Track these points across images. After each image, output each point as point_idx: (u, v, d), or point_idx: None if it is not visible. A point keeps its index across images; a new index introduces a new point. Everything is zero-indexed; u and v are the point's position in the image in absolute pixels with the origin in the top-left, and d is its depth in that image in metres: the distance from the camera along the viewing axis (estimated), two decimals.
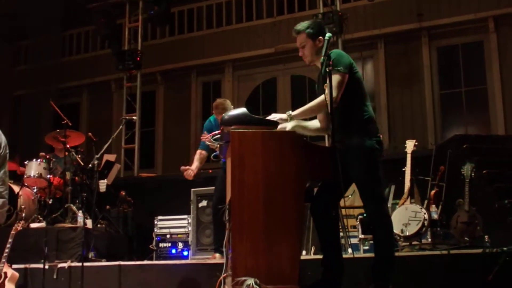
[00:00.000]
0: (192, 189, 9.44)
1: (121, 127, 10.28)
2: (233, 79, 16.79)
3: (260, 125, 4.85)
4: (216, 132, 5.15)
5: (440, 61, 14.60)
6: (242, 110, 4.89)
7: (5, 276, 7.63)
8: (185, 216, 9.59)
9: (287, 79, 16.52)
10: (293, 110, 5.19)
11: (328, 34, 5.11)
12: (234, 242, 4.66)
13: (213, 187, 8.46)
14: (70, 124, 9.78)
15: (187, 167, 8.20)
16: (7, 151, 5.96)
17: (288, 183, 4.72)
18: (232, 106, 8.05)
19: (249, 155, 4.70)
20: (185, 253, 9.45)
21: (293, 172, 4.73)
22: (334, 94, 4.91)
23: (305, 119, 5.36)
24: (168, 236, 9.63)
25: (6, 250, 7.70)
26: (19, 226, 7.94)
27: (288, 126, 5.05)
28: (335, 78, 4.99)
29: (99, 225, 9.57)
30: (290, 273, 4.63)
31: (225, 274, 5.00)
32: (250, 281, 4.39)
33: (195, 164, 8.29)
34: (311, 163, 4.80)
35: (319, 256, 5.80)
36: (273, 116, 5.10)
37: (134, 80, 15.50)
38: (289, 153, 4.74)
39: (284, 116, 5.12)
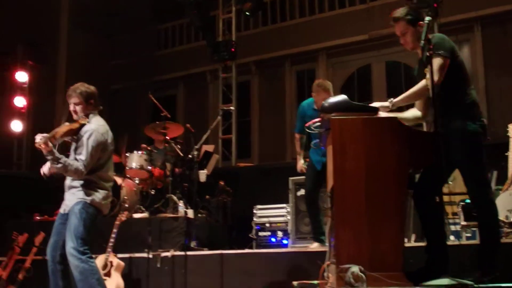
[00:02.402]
0: (290, 178, 9.44)
1: (219, 118, 10.42)
2: (327, 67, 16.72)
3: (360, 111, 4.81)
4: (316, 120, 5.14)
5: None
6: (342, 97, 4.86)
7: (111, 265, 7.85)
8: (284, 205, 9.59)
9: (381, 65, 16.35)
10: (388, 97, 5.12)
11: (427, 18, 5.01)
12: (337, 230, 4.66)
13: None
14: (169, 116, 9.94)
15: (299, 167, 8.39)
16: (113, 146, 6.13)
17: (390, 169, 4.69)
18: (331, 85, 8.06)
19: (350, 142, 4.68)
20: (285, 241, 9.47)
21: (395, 159, 4.69)
22: (435, 78, 4.82)
23: (402, 110, 5.29)
24: (267, 225, 9.67)
25: (111, 240, 7.92)
26: (123, 216, 8.15)
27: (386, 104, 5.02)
28: (436, 61, 4.90)
29: (199, 215, 9.71)
30: (394, 260, 4.61)
31: (328, 262, 5.00)
32: (355, 268, 4.38)
33: (301, 154, 8.34)
34: (413, 149, 4.74)
35: (420, 244, 5.74)
36: (375, 105, 5.04)
37: (229, 71, 15.61)
38: (391, 140, 4.70)
39: (386, 103, 5.06)
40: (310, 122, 5.22)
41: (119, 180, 9.57)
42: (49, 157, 5.67)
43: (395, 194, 4.68)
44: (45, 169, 6.10)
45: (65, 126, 5.92)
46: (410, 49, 5.36)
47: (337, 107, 4.81)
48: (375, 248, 4.60)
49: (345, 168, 4.67)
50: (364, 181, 4.64)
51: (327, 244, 6.08)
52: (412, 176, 5.22)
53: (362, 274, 4.37)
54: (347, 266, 4.42)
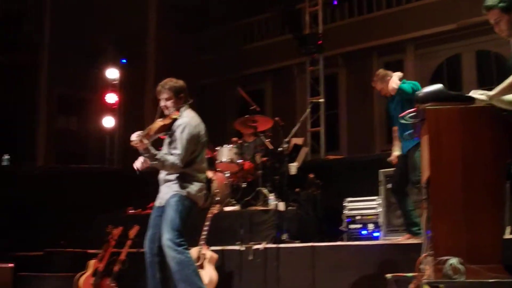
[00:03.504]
0: (380, 170, 9.34)
1: (308, 110, 10.40)
2: (415, 58, 16.53)
3: (456, 101, 4.72)
4: (411, 110, 5.07)
5: None
6: (438, 86, 4.78)
7: (204, 258, 7.97)
8: (375, 197, 9.50)
9: (471, 55, 16.04)
10: (479, 87, 5.00)
11: None
12: (434, 221, 4.59)
13: None
14: (258, 109, 9.98)
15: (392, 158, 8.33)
16: (206, 138, 6.18)
17: (488, 160, 4.59)
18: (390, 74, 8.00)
19: (446, 132, 4.60)
20: (376, 234, 9.39)
21: (493, 149, 4.58)
22: None
23: None
24: (358, 217, 9.59)
25: (204, 233, 8.04)
26: (215, 209, 8.27)
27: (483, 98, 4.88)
28: None
29: (289, 208, 9.72)
30: (493, 252, 4.51)
31: (425, 254, 4.93)
32: (453, 260, 4.31)
33: (396, 145, 8.28)
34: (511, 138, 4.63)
35: None
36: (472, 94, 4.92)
37: (316, 64, 15.55)
38: (488, 129, 4.60)
39: (482, 97, 4.93)
40: (405, 113, 5.14)
41: (210, 173, 9.66)
42: (145, 155, 5.77)
43: (492, 185, 4.58)
44: (138, 164, 6.20)
45: (158, 122, 5.99)
46: (506, 37, 5.22)
47: (432, 96, 4.74)
48: (473, 240, 4.51)
49: (441, 158, 4.60)
50: (460, 171, 4.56)
51: (421, 236, 6.00)
52: (510, 167, 5.09)
53: (461, 266, 4.30)
54: (445, 258, 4.36)
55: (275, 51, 18.33)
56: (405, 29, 16.31)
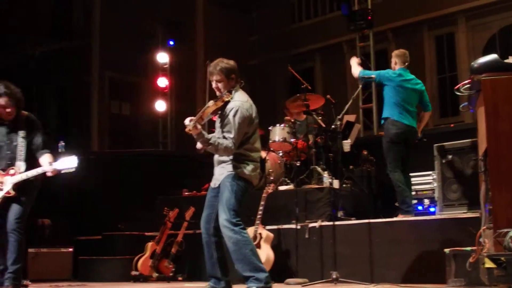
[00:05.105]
0: (435, 145, 9.23)
1: (360, 87, 10.25)
2: (467, 29, 16.28)
3: None
4: (466, 81, 4.98)
5: None
6: (493, 56, 4.69)
7: (261, 237, 8.01)
8: (430, 172, 9.42)
9: None
10: None
11: None
12: (493, 194, 4.52)
13: (458, 141, 8.31)
14: (309, 87, 9.92)
15: None
16: (258, 119, 6.15)
17: None
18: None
19: (503, 102, 4.51)
20: (432, 209, 9.31)
21: None
22: None
23: None
24: (413, 192, 9.49)
25: (260, 213, 8.08)
26: (269, 189, 8.28)
27: None
28: None
29: (344, 185, 9.68)
30: None
31: (484, 227, 4.86)
32: None
33: None
34: None
35: None
36: None
37: (366, 40, 15.40)
38: None
39: None
40: (460, 85, 5.05)
41: (263, 153, 9.66)
42: (199, 140, 5.78)
43: None
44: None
45: (210, 106, 5.97)
46: None
47: (487, 67, 4.65)
48: None
49: (499, 129, 4.51)
50: None
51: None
52: None
53: None
54: (506, 230, 4.29)
55: (324, 28, 18.25)
56: (456, 0, 16.07)
